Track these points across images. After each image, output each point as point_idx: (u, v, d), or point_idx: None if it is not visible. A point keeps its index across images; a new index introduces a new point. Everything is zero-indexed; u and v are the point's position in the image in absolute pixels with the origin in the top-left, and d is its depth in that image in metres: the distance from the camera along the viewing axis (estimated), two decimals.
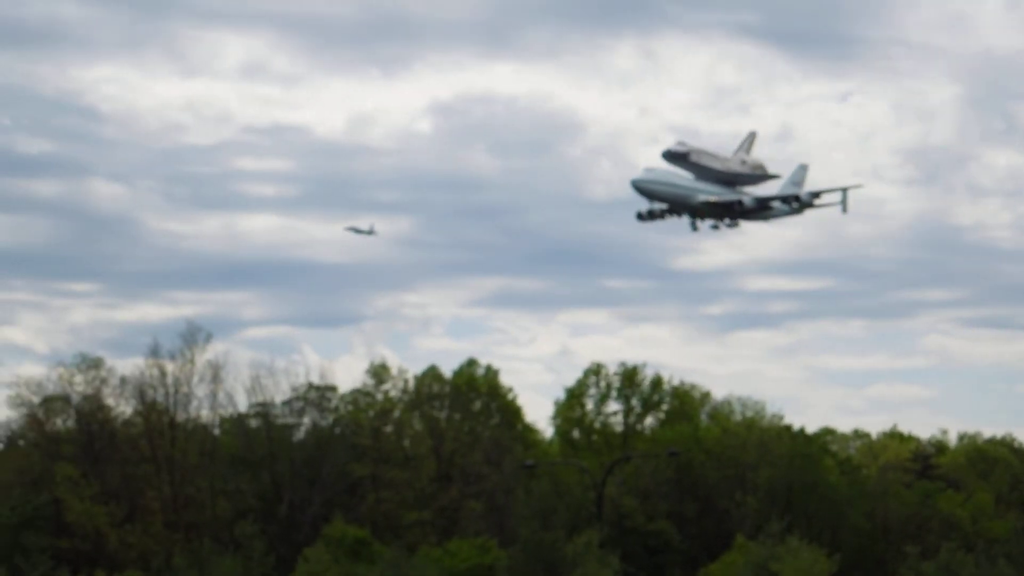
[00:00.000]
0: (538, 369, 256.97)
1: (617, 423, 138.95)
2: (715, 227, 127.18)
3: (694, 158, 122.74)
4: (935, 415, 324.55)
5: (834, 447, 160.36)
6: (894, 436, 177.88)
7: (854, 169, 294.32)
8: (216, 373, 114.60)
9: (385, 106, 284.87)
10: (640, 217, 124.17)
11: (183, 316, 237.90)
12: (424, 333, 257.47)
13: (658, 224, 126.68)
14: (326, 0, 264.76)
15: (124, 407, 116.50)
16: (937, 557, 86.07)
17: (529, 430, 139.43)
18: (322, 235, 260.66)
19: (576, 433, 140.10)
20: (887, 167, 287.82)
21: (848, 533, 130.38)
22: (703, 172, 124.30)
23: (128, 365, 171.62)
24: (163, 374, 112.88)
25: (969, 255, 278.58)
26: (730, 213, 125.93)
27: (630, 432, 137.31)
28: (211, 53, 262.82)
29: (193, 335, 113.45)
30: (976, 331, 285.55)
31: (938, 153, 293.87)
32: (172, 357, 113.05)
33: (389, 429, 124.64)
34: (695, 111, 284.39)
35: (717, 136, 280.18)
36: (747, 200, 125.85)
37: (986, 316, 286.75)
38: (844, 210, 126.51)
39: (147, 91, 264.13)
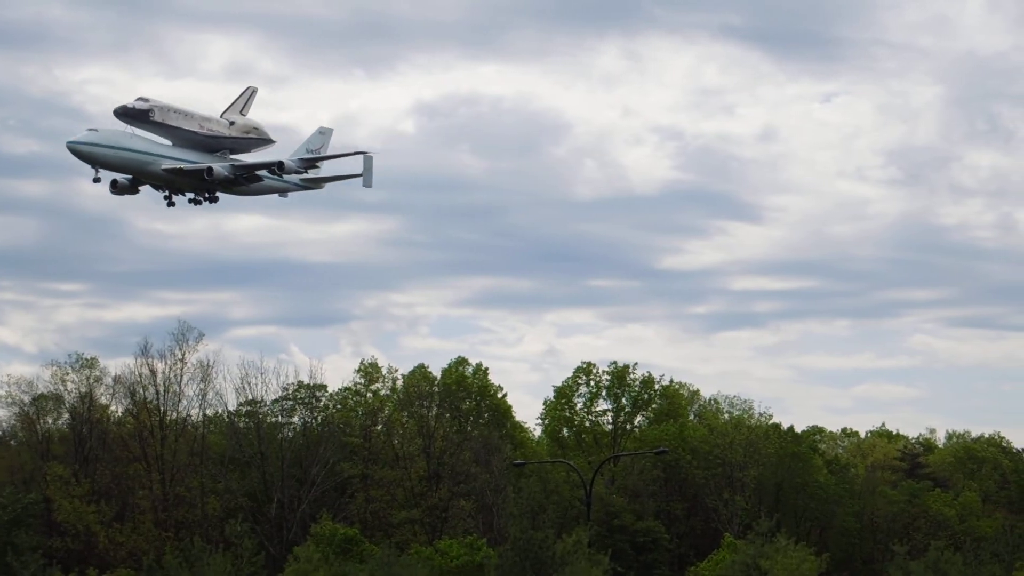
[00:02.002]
0: (524, 369, 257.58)
1: (606, 422, 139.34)
2: (195, 201, 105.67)
3: (159, 116, 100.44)
4: (923, 414, 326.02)
5: (822, 446, 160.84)
6: (882, 435, 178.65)
7: (838, 170, 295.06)
8: (206, 372, 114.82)
9: (370, 107, 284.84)
10: (113, 190, 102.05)
11: (171, 316, 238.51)
12: (411, 333, 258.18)
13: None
14: (311, 1, 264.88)
15: (115, 406, 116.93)
16: (925, 556, 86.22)
17: (518, 429, 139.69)
18: (309, 235, 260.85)
19: (565, 432, 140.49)
20: (871, 167, 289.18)
21: (836, 532, 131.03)
22: (176, 134, 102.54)
23: (117, 365, 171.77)
24: (153, 373, 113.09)
25: (953, 255, 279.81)
26: (205, 184, 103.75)
27: (619, 431, 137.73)
28: (197, 54, 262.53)
29: (185, 334, 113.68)
30: (961, 331, 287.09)
31: (921, 153, 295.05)
32: (162, 356, 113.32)
33: (379, 428, 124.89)
34: (679, 112, 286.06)
35: (703, 136, 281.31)
36: (220, 168, 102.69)
37: (970, 316, 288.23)
38: (367, 182, 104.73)
39: (134, 92, 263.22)
